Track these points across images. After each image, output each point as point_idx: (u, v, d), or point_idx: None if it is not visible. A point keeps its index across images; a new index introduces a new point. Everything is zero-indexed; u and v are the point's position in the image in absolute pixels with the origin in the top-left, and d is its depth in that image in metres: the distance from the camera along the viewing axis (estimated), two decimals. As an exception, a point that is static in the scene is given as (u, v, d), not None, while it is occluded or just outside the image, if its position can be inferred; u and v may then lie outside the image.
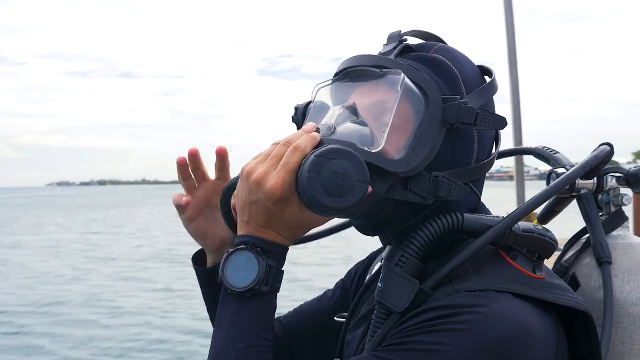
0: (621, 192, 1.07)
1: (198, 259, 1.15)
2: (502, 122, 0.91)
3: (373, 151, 0.86)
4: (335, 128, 0.90)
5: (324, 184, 0.82)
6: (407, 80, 0.89)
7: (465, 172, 0.92)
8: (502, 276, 0.84)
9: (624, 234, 1.06)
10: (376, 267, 1.13)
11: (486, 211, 0.96)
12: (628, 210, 1.09)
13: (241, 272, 0.87)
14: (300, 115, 1.01)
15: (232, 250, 0.88)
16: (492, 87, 0.95)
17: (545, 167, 1.13)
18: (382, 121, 0.88)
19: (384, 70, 0.91)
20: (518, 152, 1.23)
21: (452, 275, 0.85)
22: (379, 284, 0.87)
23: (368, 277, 1.13)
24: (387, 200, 0.88)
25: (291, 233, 0.89)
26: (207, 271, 1.13)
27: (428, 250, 0.87)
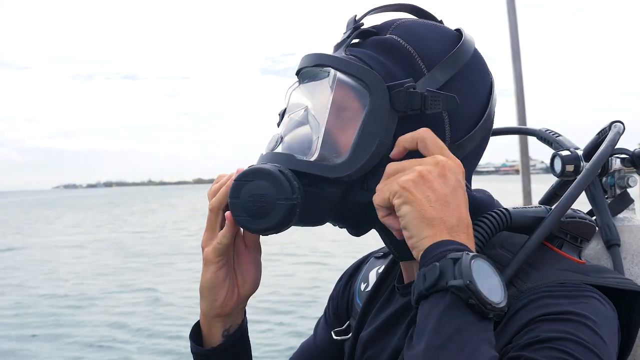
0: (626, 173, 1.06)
1: (196, 334, 0.99)
2: (452, 101, 0.83)
3: (311, 160, 0.83)
4: (282, 139, 0.89)
5: (245, 207, 0.83)
6: (339, 75, 0.84)
7: None
8: (559, 268, 0.81)
9: (630, 217, 1.05)
10: (372, 274, 1.09)
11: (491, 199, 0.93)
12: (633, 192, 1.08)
13: (490, 284, 0.72)
14: (280, 121, 0.97)
15: (472, 254, 0.72)
16: (460, 55, 0.87)
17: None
18: (320, 124, 0.85)
19: (323, 68, 0.87)
20: (519, 131, 1.22)
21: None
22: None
23: (364, 285, 1.09)
24: (350, 202, 0.85)
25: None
26: (220, 349, 0.96)
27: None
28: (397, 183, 0.78)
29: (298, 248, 17.88)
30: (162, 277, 13.81)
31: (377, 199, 0.80)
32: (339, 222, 0.90)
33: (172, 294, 11.67)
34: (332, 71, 0.85)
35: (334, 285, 1.20)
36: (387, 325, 0.96)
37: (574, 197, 0.86)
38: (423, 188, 0.76)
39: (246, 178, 0.83)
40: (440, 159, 0.78)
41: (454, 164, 0.79)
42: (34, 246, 22.01)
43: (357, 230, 0.91)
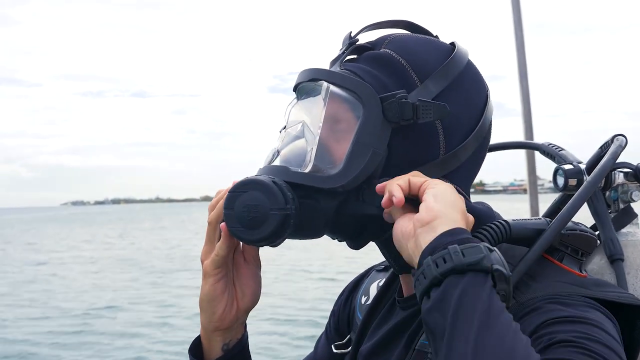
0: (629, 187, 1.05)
1: (197, 348, 0.98)
2: (442, 110, 0.84)
3: (305, 171, 0.85)
4: (278, 152, 0.91)
5: (239, 218, 0.84)
6: (332, 88, 0.86)
7: (434, 166, 0.86)
8: (559, 280, 0.81)
9: (634, 231, 1.04)
10: (373, 287, 1.09)
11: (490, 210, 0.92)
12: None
13: None
14: None
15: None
16: (453, 66, 0.88)
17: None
18: (314, 137, 0.87)
19: (315, 83, 0.89)
20: (522, 146, 1.22)
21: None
22: None
23: (365, 298, 1.09)
24: (345, 214, 0.85)
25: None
26: None
27: None
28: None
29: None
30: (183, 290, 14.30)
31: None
32: (335, 234, 0.90)
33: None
34: (325, 84, 0.87)
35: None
36: (388, 338, 0.96)
37: (575, 209, 0.86)
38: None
39: (240, 189, 0.84)
40: (435, 180, 0.81)
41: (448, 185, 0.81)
42: (55, 261, 22.66)
43: (355, 243, 0.91)
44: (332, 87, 0.86)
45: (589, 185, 0.90)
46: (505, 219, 0.87)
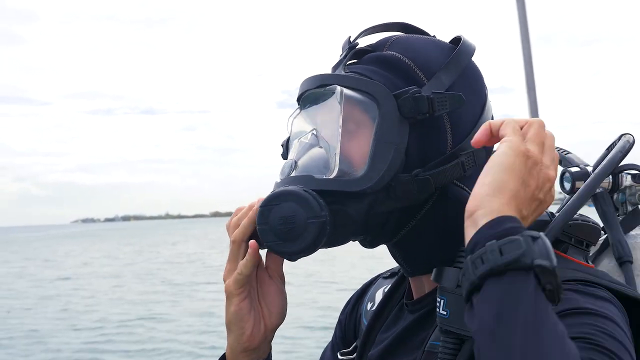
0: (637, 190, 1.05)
1: None
2: (458, 99, 0.84)
3: (331, 177, 0.83)
4: (296, 163, 0.88)
5: (276, 231, 0.81)
6: (346, 91, 0.85)
7: (440, 162, 0.85)
8: (568, 268, 0.79)
9: (643, 233, 1.04)
10: (379, 293, 1.08)
11: None
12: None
13: None
14: (285, 152, 0.97)
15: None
16: (459, 59, 0.88)
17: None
18: (334, 142, 0.85)
19: (325, 88, 0.88)
20: None
21: None
22: (443, 312, 0.80)
23: (370, 304, 1.08)
24: (375, 214, 0.84)
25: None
26: None
27: None
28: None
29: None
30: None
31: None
32: (361, 234, 0.89)
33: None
34: (339, 88, 0.86)
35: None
36: (398, 342, 0.94)
37: (581, 200, 0.86)
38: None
39: (273, 202, 0.82)
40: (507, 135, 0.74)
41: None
42: (85, 276, 23.71)
43: (373, 242, 0.91)
44: (346, 91, 0.85)
45: (597, 177, 0.90)
46: None
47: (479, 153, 0.87)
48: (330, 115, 0.87)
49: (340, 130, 0.85)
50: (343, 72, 0.89)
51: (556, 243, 0.85)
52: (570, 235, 0.86)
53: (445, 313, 0.80)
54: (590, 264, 0.85)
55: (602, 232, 1.06)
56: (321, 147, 0.88)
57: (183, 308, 14.67)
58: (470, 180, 0.86)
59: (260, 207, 0.82)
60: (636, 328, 0.78)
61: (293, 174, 0.87)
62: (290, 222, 0.80)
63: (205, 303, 14.89)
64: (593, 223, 0.88)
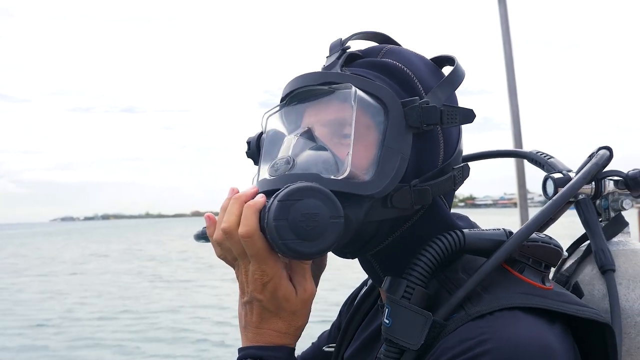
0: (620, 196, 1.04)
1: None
2: (470, 114, 0.85)
3: (340, 178, 0.80)
4: (294, 160, 0.83)
5: (295, 229, 0.74)
6: (359, 92, 0.83)
7: (434, 174, 0.86)
8: (515, 292, 0.79)
9: (626, 240, 1.02)
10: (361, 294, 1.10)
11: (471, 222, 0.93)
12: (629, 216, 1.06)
13: None
14: (255, 149, 0.94)
15: None
16: (455, 78, 0.89)
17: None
18: (343, 142, 0.83)
19: (334, 86, 0.84)
20: (510, 154, 1.20)
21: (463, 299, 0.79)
22: (386, 321, 0.80)
23: (357, 299, 1.10)
24: (369, 222, 0.82)
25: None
26: None
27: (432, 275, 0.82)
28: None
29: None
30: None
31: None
32: (348, 243, 0.85)
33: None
34: (353, 88, 0.83)
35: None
36: (369, 342, 0.97)
37: (538, 221, 0.84)
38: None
39: (294, 197, 0.75)
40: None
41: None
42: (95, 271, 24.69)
43: (354, 253, 0.89)
44: (359, 92, 0.83)
45: (560, 198, 0.88)
46: (464, 229, 0.85)
47: (465, 169, 0.90)
48: (337, 114, 0.84)
49: (353, 130, 0.82)
50: (348, 73, 0.86)
51: (513, 262, 0.84)
52: (528, 256, 0.84)
53: (388, 322, 0.80)
54: (548, 285, 0.83)
55: (584, 239, 1.05)
56: (323, 146, 0.84)
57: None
58: (448, 196, 0.90)
59: (279, 201, 0.75)
60: (597, 343, 0.81)
61: (293, 172, 0.82)
62: (313, 220, 0.75)
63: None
64: (554, 245, 0.85)
